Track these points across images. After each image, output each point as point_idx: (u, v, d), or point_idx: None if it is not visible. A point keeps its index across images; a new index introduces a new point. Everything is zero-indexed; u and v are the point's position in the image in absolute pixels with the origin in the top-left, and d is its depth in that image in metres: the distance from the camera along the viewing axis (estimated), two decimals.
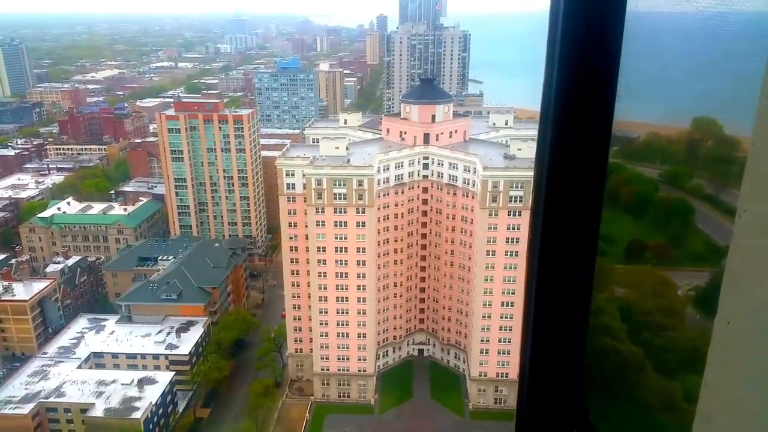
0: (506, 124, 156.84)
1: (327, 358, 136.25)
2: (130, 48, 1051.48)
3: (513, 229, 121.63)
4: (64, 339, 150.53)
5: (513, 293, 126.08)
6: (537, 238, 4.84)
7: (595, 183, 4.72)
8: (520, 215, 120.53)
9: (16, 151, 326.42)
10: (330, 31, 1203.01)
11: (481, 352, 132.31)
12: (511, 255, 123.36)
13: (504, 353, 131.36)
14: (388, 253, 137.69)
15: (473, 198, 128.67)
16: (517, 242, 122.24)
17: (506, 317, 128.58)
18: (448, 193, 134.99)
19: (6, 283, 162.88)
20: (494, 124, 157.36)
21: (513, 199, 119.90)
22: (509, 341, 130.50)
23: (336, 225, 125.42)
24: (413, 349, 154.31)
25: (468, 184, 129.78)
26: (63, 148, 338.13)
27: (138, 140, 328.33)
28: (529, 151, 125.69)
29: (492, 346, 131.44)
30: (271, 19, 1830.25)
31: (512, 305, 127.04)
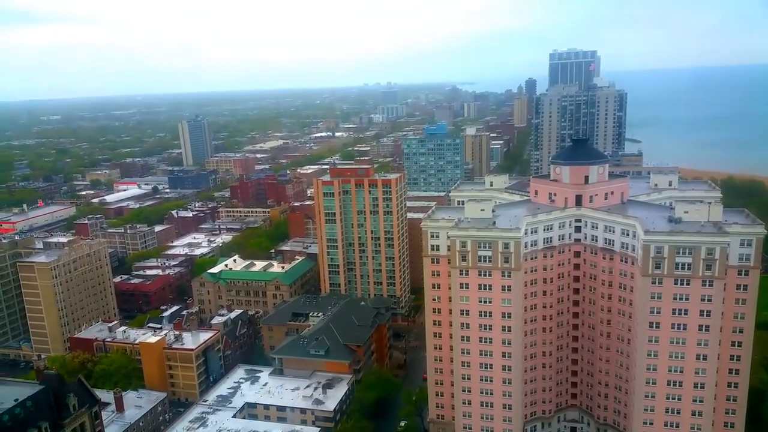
0: (670, 185, 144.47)
1: (470, 428, 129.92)
2: (294, 120, 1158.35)
3: (681, 299, 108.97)
4: (223, 388, 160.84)
5: (682, 371, 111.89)
6: None
7: None
8: (688, 284, 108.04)
9: (194, 213, 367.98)
10: (477, 97, 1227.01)
11: None
12: (680, 328, 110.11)
13: None
14: (535, 320, 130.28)
15: (633, 264, 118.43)
16: (685, 314, 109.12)
17: (674, 398, 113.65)
18: (604, 258, 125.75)
19: (177, 333, 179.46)
20: (656, 185, 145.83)
21: (680, 266, 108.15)
22: (677, 425, 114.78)
23: (480, 288, 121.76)
24: (565, 426, 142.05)
25: (626, 248, 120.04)
26: (232, 211, 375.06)
27: (297, 203, 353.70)
28: (697, 214, 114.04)
29: (656, 430, 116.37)
30: (421, 88, 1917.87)
31: (681, 384, 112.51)
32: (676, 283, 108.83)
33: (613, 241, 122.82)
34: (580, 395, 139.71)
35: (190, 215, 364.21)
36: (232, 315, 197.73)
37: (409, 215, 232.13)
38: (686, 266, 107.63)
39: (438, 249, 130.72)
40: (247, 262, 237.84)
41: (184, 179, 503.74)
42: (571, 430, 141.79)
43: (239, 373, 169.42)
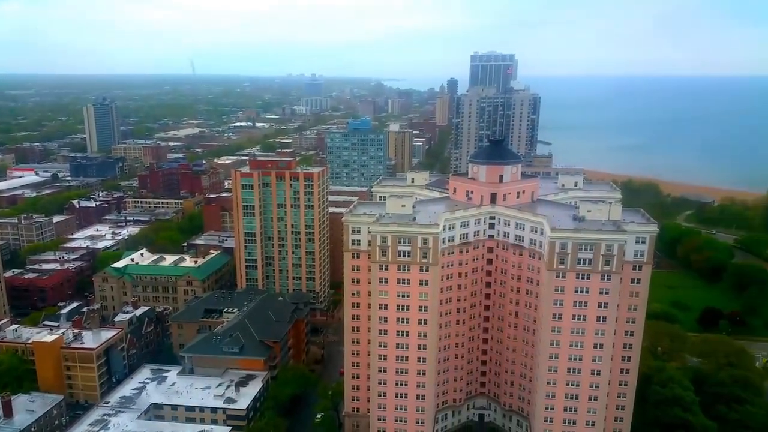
0: (576, 185, 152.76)
1: (384, 419, 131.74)
2: (211, 108, 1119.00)
3: (581, 292, 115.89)
4: (127, 389, 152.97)
5: (580, 359, 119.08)
6: None
7: None
8: (588, 278, 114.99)
9: (97, 203, 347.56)
10: (401, 94, 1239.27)
11: (545, 420, 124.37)
12: (580, 319, 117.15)
13: (570, 423, 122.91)
14: (450, 313, 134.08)
15: (540, 259, 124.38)
16: (585, 306, 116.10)
17: (573, 384, 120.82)
18: (514, 254, 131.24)
19: (76, 331, 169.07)
20: (563, 185, 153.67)
21: (582, 261, 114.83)
22: (575, 410, 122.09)
23: (399, 282, 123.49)
24: (473, 413, 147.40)
25: (535, 244, 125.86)
26: (141, 201, 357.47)
27: (213, 195, 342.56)
28: (599, 213, 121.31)
29: (557, 415, 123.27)
30: (346, 82, 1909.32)
31: (579, 372, 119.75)
32: (578, 277, 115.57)
33: (523, 237, 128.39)
34: (489, 383, 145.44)
35: (93, 205, 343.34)
36: (138, 312, 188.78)
37: (331, 210, 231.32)
38: (587, 261, 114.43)
39: (359, 244, 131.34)
40: (156, 256, 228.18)
41: (88, 167, 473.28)
42: (479, 417, 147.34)
43: (145, 373, 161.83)
